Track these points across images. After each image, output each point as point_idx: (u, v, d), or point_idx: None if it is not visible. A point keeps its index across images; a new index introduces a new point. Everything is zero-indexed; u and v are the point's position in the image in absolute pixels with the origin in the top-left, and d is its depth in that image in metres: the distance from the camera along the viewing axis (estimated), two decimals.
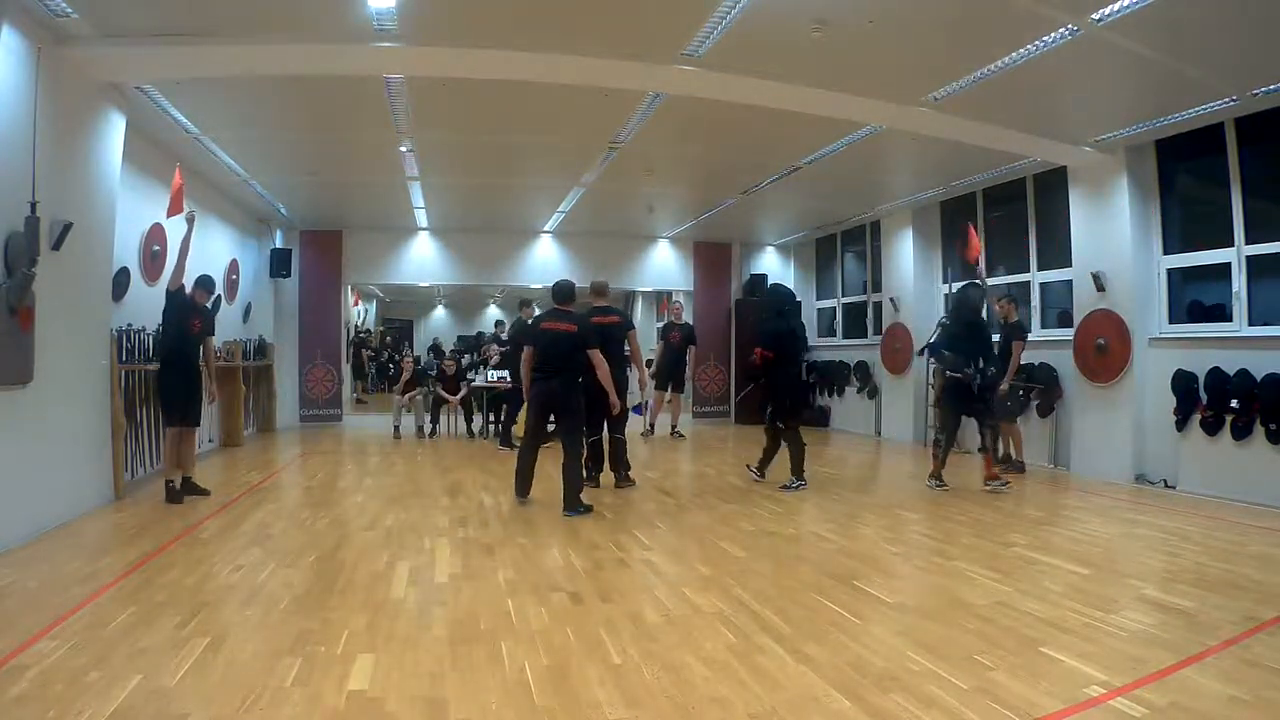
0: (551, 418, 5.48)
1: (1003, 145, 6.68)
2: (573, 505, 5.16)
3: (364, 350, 16.61)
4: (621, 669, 2.66)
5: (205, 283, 5.79)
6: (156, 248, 6.82)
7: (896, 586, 3.70)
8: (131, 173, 6.03)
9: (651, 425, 9.97)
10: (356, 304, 18.71)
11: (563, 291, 5.56)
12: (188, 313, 5.54)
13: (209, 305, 5.94)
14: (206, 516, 4.98)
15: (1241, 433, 5.61)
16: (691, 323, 10.83)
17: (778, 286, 6.98)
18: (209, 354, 5.79)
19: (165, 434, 5.65)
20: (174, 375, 5.49)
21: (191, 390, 5.56)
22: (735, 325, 12.11)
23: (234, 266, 9.20)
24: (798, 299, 6.98)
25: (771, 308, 6.42)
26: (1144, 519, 5.22)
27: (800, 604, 3.39)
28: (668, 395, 9.86)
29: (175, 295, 5.49)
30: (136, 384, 6.03)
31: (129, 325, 6.02)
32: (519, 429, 8.02)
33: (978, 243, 7.19)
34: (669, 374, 9.75)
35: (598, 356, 5.35)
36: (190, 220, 5.58)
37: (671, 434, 9.84)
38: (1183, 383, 6.06)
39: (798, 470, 6.14)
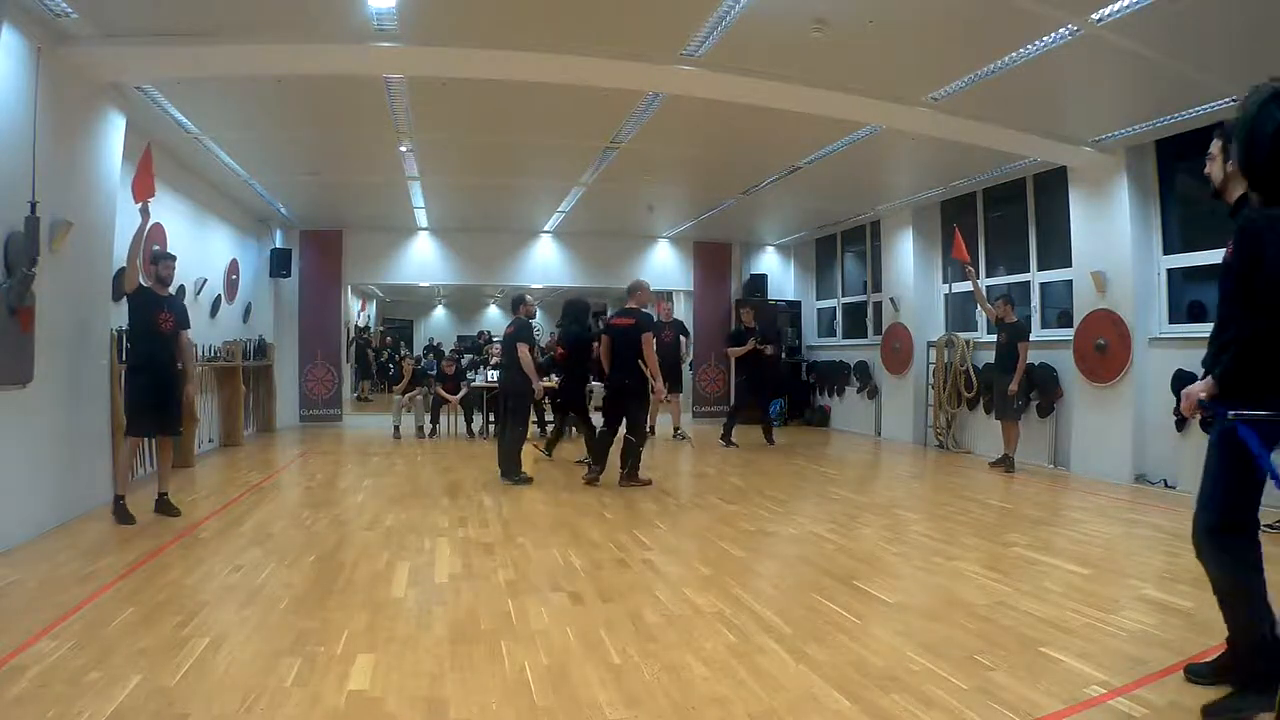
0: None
1: (1003, 145, 6.67)
2: (511, 474, 6.30)
3: (366, 350, 16.66)
4: (621, 669, 2.66)
5: (159, 255, 5.08)
6: (156, 247, 6.81)
7: (896, 586, 3.70)
8: (131, 173, 6.02)
9: (652, 427, 9.92)
10: (364, 309, 18.78)
11: (511, 301, 6.84)
12: (153, 308, 4.93)
13: (173, 290, 5.21)
14: (206, 516, 4.98)
15: None
16: (680, 319, 10.73)
17: (575, 300, 7.75)
18: (186, 352, 5.14)
19: (122, 444, 4.99)
20: (145, 380, 4.87)
21: (166, 396, 4.96)
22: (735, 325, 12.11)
23: (234, 266, 9.20)
24: (593, 311, 8.02)
25: (570, 316, 7.48)
26: (1144, 519, 5.22)
27: (800, 604, 3.40)
28: (665, 396, 9.78)
29: (134, 295, 4.89)
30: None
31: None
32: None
33: (964, 246, 7.25)
34: (663, 374, 9.62)
35: (521, 349, 6.37)
36: (144, 215, 4.92)
37: (674, 435, 9.84)
38: (1183, 383, 6.01)
39: (550, 447, 7.77)
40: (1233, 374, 2.29)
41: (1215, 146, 2.48)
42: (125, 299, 5.01)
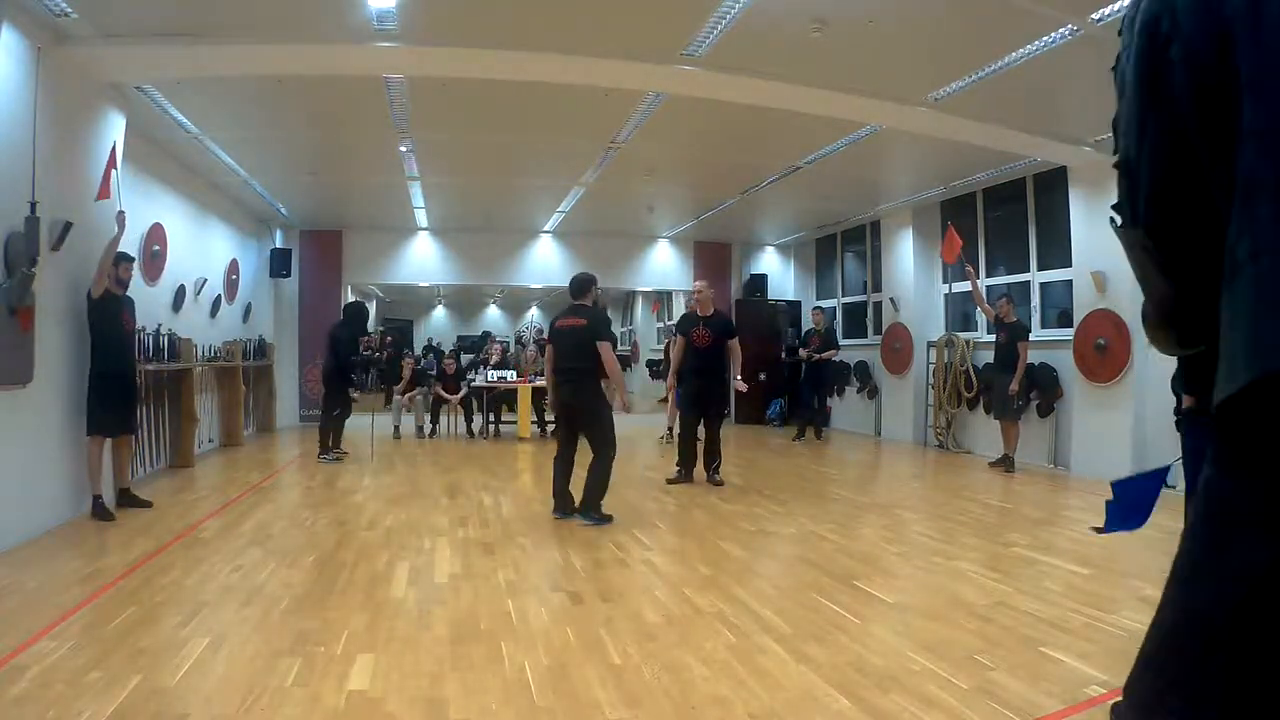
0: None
1: (1003, 145, 6.68)
2: (588, 511, 4.99)
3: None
4: (621, 669, 2.66)
5: (120, 257, 5.05)
6: (156, 248, 6.82)
7: (896, 586, 3.70)
8: (131, 173, 6.02)
9: (670, 428, 10.04)
10: None
11: (577, 283, 5.17)
12: (118, 310, 4.99)
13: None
14: (206, 516, 4.98)
15: None
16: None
17: (351, 305, 8.64)
18: (134, 352, 5.35)
19: (89, 444, 4.82)
20: (113, 383, 4.88)
21: (131, 396, 5.13)
22: (735, 325, 12.09)
23: (234, 266, 9.20)
24: (362, 313, 8.68)
25: (348, 316, 8.32)
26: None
27: (800, 604, 3.39)
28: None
29: (101, 299, 4.87)
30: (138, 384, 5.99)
31: None
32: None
33: (957, 243, 7.27)
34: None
35: (603, 349, 4.92)
36: (120, 222, 4.96)
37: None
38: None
39: (325, 444, 7.66)
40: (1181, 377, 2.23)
41: None
42: (89, 303, 4.87)
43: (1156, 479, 2.34)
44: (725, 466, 6.68)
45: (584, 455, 5.05)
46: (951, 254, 7.34)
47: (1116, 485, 2.40)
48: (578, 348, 4.90)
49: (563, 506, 5.08)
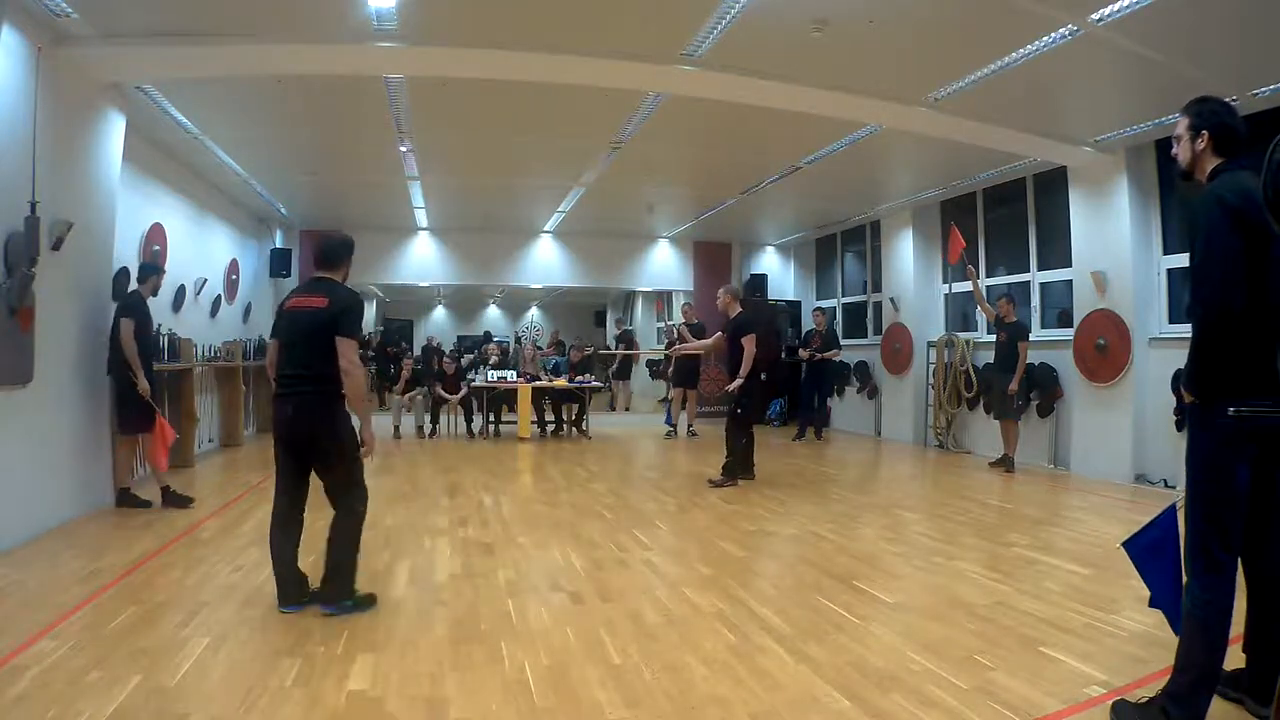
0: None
1: (1003, 145, 6.68)
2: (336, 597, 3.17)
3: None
4: (621, 669, 2.66)
5: (157, 269, 5.44)
6: (156, 248, 6.82)
7: (896, 586, 3.69)
8: (131, 173, 6.02)
9: (674, 426, 10.12)
10: None
11: (330, 248, 3.69)
12: (149, 316, 5.27)
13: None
14: (206, 516, 4.98)
15: None
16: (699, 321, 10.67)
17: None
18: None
19: (122, 442, 5.11)
20: (148, 383, 5.07)
21: (155, 395, 5.24)
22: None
23: (234, 266, 9.19)
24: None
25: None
26: (1144, 519, 5.20)
27: (800, 604, 3.39)
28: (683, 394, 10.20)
29: (141, 305, 5.14)
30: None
31: None
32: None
33: (960, 244, 7.27)
34: (683, 373, 9.88)
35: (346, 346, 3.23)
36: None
37: (688, 433, 10.08)
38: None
39: None
40: (1190, 376, 2.28)
41: (1182, 125, 2.37)
42: (131, 308, 5.06)
43: (1164, 524, 2.37)
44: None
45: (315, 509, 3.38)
46: (955, 254, 7.35)
47: (1128, 546, 2.46)
48: (314, 337, 3.23)
49: (295, 588, 3.21)
